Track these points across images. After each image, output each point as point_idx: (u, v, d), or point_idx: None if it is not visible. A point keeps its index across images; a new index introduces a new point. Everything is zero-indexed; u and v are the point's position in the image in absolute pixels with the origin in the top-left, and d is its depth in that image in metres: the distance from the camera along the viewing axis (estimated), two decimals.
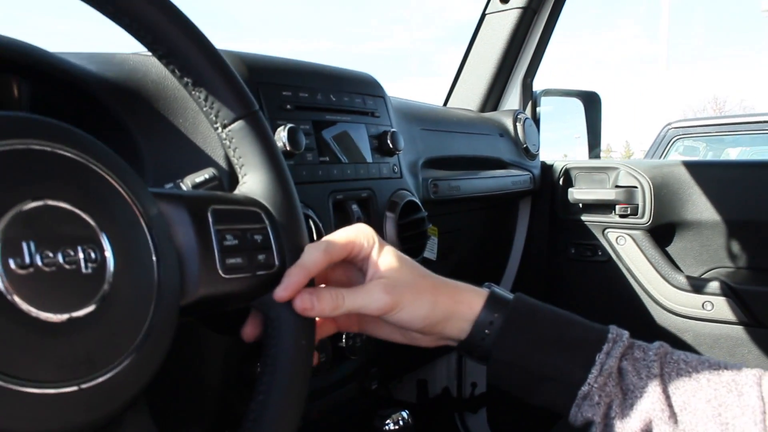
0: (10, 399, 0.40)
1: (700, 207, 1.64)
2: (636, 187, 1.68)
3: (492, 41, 1.84)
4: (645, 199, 1.67)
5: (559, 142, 2.48)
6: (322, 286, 0.65)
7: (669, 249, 1.71)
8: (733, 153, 5.61)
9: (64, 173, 0.47)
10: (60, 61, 0.78)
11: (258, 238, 0.62)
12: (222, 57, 0.63)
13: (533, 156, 1.75)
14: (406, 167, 1.15)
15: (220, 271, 0.58)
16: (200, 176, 0.73)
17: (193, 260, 0.56)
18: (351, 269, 0.70)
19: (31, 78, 0.78)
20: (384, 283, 0.65)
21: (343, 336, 0.98)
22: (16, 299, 0.41)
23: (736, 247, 1.64)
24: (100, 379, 0.45)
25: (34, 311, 0.42)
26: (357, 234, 0.67)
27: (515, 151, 1.69)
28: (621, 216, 1.69)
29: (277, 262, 0.62)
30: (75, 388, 0.43)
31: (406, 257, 0.69)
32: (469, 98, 1.87)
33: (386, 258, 0.67)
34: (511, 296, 0.71)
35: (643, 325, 1.70)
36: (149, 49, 0.60)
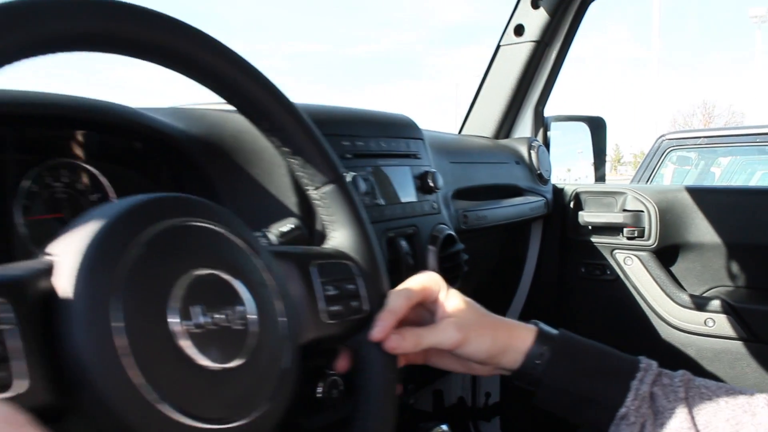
0: None
1: (702, 230, 1.76)
2: (642, 211, 1.79)
3: (506, 71, 1.95)
4: (651, 223, 1.78)
5: (563, 157, 2.57)
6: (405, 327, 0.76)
7: (673, 269, 1.83)
8: (725, 162, 5.76)
9: (213, 245, 0.58)
10: (150, 119, 0.88)
11: (351, 287, 0.72)
12: (316, 130, 0.73)
13: (546, 181, 1.86)
14: (441, 201, 1.26)
15: (324, 318, 0.69)
16: (285, 226, 0.83)
17: (303, 309, 0.67)
18: (420, 310, 0.81)
19: (125, 135, 0.88)
20: (454, 321, 0.77)
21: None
22: (194, 353, 0.52)
23: (735, 267, 1.75)
24: (253, 418, 0.55)
25: (204, 362, 0.52)
26: (429, 280, 0.79)
27: (530, 177, 1.80)
28: (628, 238, 1.81)
29: (365, 308, 0.73)
30: (234, 424, 0.53)
31: (469, 299, 0.80)
32: (484, 125, 1.97)
33: (454, 300, 0.78)
34: (555, 332, 0.82)
35: (649, 339, 1.82)
36: (254, 123, 0.70)
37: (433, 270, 1.15)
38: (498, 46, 1.97)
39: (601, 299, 1.90)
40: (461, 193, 1.46)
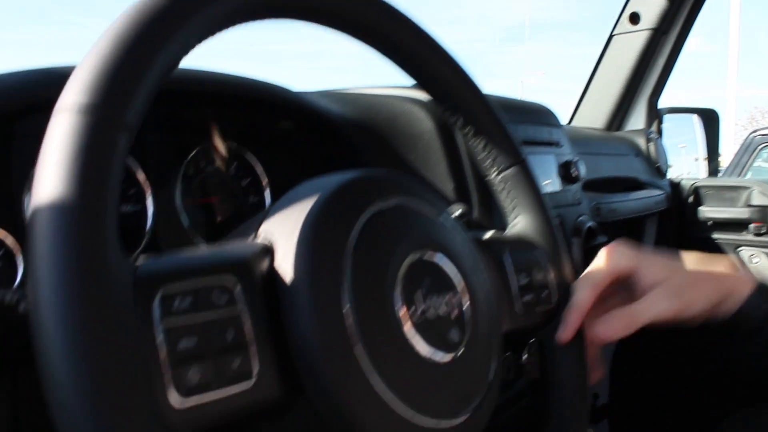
0: (416, 430, 0.46)
1: None
2: None
3: (620, 61, 1.87)
4: None
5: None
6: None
7: None
8: None
9: (427, 227, 0.54)
10: (308, 100, 0.86)
11: (540, 276, 0.68)
12: (498, 111, 0.69)
13: (663, 175, 1.78)
14: (580, 193, 1.20)
15: (519, 309, 0.64)
16: (453, 212, 0.80)
17: (500, 299, 0.63)
18: (615, 286, 0.74)
19: (283, 115, 0.86)
20: (664, 289, 0.69)
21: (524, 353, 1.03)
22: (419, 342, 0.48)
23: None
24: (472, 413, 0.51)
25: (429, 352, 0.49)
26: (615, 255, 0.71)
27: (649, 170, 1.73)
28: (756, 234, 1.71)
29: (554, 298, 0.69)
30: (463, 418, 0.50)
31: (665, 258, 0.72)
32: (595, 117, 1.91)
33: (653, 265, 0.71)
34: None
35: None
36: (438, 102, 0.67)
37: (578, 264, 1.09)
38: (611, 36, 1.90)
39: None
40: (588, 185, 1.40)
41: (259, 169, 0.89)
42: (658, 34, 1.83)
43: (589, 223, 1.13)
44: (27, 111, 0.60)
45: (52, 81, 0.61)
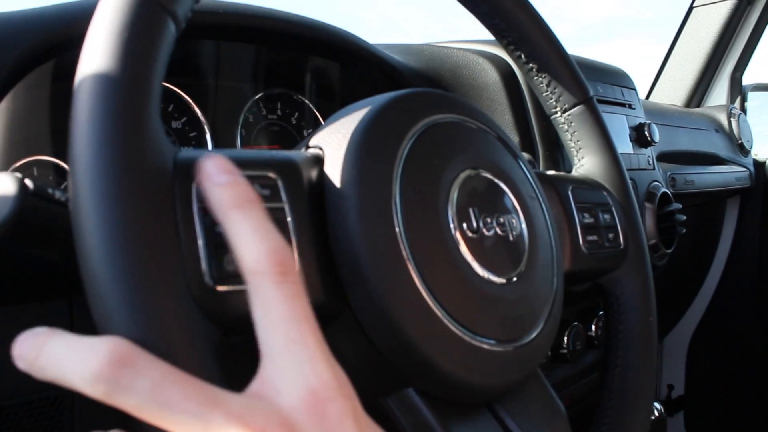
0: (469, 352, 0.44)
1: None
2: None
3: (700, 35, 1.79)
4: None
5: None
6: None
7: None
8: None
9: (484, 145, 0.52)
10: (378, 49, 0.84)
11: (607, 217, 0.64)
12: (563, 47, 0.66)
13: (746, 152, 1.69)
14: (653, 159, 1.15)
15: (583, 248, 0.61)
16: None
17: (561, 236, 0.60)
18: None
19: (349, 64, 0.85)
20: None
21: (593, 324, 1.00)
22: (473, 261, 0.46)
23: None
24: (528, 340, 0.48)
25: (484, 272, 0.46)
26: None
27: (730, 148, 1.64)
28: None
29: (621, 241, 0.65)
30: (513, 347, 0.47)
31: None
32: (674, 93, 1.83)
33: None
34: None
35: None
36: (498, 36, 0.64)
37: (651, 230, 1.05)
38: (690, 8, 1.81)
39: None
40: (663, 157, 1.34)
41: (321, 119, 0.89)
42: (743, 4, 1.74)
43: (663, 189, 1.08)
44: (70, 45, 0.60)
45: None
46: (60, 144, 0.69)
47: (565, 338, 0.90)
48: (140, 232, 0.32)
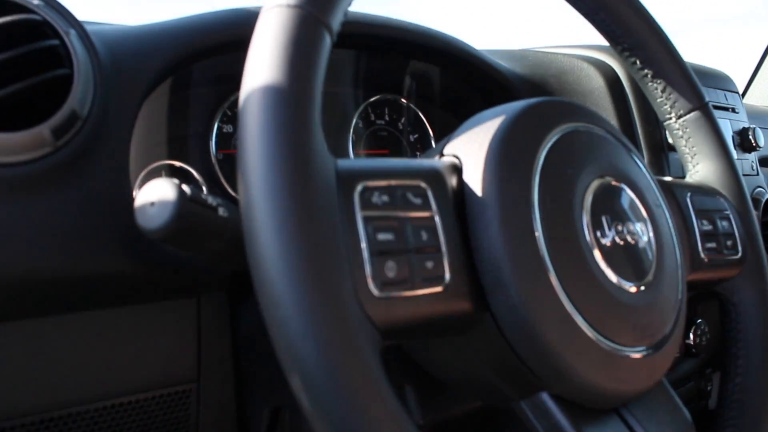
0: (605, 359, 0.45)
1: None
2: None
3: None
4: None
5: None
6: None
7: None
8: None
9: (614, 155, 0.53)
10: (483, 55, 0.85)
11: (725, 224, 0.64)
12: (679, 53, 0.66)
13: None
14: (757, 165, 1.12)
15: (702, 255, 0.61)
16: None
17: (682, 242, 0.60)
18: None
19: (456, 69, 0.86)
20: None
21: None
22: (606, 269, 0.46)
23: None
24: (656, 347, 0.49)
25: (617, 279, 0.47)
26: None
27: None
28: None
29: (740, 249, 0.64)
30: (642, 353, 0.47)
31: None
32: None
33: None
34: None
35: None
36: (613, 42, 0.64)
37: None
38: None
39: None
40: (763, 162, 1.30)
41: (427, 124, 0.90)
42: None
43: (767, 196, 1.05)
44: (225, 47, 0.63)
45: (243, 20, 0.64)
46: (187, 149, 0.73)
47: (690, 334, 0.89)
48: (313, 241, 0.35)
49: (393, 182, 0.41)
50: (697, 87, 0.67)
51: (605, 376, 0.45)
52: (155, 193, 0.46)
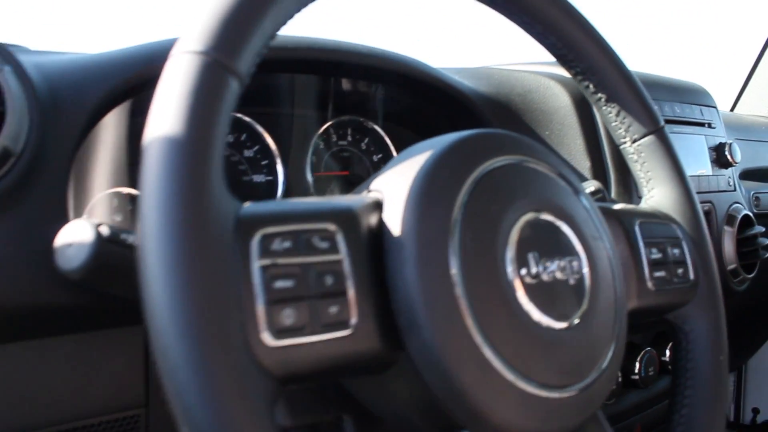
0: (524, 400, 0.44)
1: None
2: None
3: None
4: None
5: None
6: None
7: None
8: None
9: (546, 187, 0.51)
10: (444, 75, 0.85)
11: (676, 251, 0.63)
12: (634, 76, 0.65)
13: None
14: (735, 180, 1.11)
15: (649, 284, 0.60)
16: (587, 188, 0.76)
17: (627, 273, 0.59)
18: None
19: (417, 91, 0.86)
20: None
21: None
22: (531, 308, 0.46)
23: None
24: (586, 385, 0.48)
25: (543, 318, 0.46)
26: None
27: None
28: None
29: (691, 277, 0.63)
30: (570, 393, 0.46)
31: None
32: (762, 103, 1.75)
33: None
34: None
35: None
36: (565, 66, 0.63)
37: (730, 255, 1.01)
38: None
39: None
40: (748, 174, 1.29)
41: (390, 144, 0.90)
42: None
43: (745, 212, 1.04)
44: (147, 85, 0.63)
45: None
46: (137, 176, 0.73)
47: (637, 364, 0.88)
48: (200, 294, 0.34)
49: (297, 227, 0.40)
50: (652, 111, 0.66)
51: (525, 418, 0.44)
52: (73, 235, 0.46)
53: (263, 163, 0.79)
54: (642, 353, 0.93)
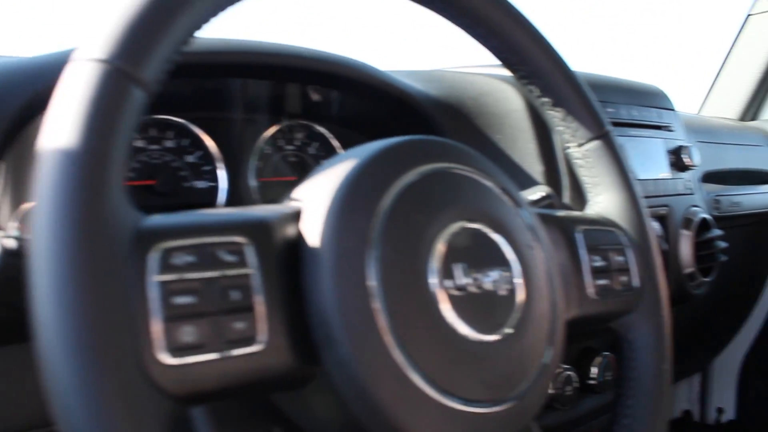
0: (445, 416, 0.42)
1: None
2: None
3: (757, 44, 1.72)
4: None
5: None
6: None
7: None
8: None
9: (476, 196, 0.50)
10: (392, 78, 0.83)
11: (620, 259, 0.62)
12: (580, 79, 0.64)
13: None
14: (694, 182, 1.11)
15: (590, 293, 0.59)
16: (535, 194, 0.74)
17: (567, 281, 0.57)
18: None
19: (364, 93, 0.84)
20: None
21: (594, 371, 0.96)
22: (456, 320, 0.44)
23: None
24: (516, 399, 0.46)
25: (468, 331, 0.44)
26: None
27: None
28: None
29: (635, 284, 0.62)
30: (496, 408, 0.45)
31: None
32: (727, 105, 1.76)
33: None
34: None
35: None
36: (510, 69, 0.62)
37: (687, 258, 1.00)
38: (747, 16, 1.74)
39: None
40: (710, 177, 1.28)
41: (341, 148, 0.88)
42: None
43: (702, 215, 1.03)
44: None
45: None
46: None
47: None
48: (87, 310, 0.32)
49: (201, 240, 0.38)
50: (597, 115, 0.65)
51: None
52: None
53: (205, 168, 0.76)
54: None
